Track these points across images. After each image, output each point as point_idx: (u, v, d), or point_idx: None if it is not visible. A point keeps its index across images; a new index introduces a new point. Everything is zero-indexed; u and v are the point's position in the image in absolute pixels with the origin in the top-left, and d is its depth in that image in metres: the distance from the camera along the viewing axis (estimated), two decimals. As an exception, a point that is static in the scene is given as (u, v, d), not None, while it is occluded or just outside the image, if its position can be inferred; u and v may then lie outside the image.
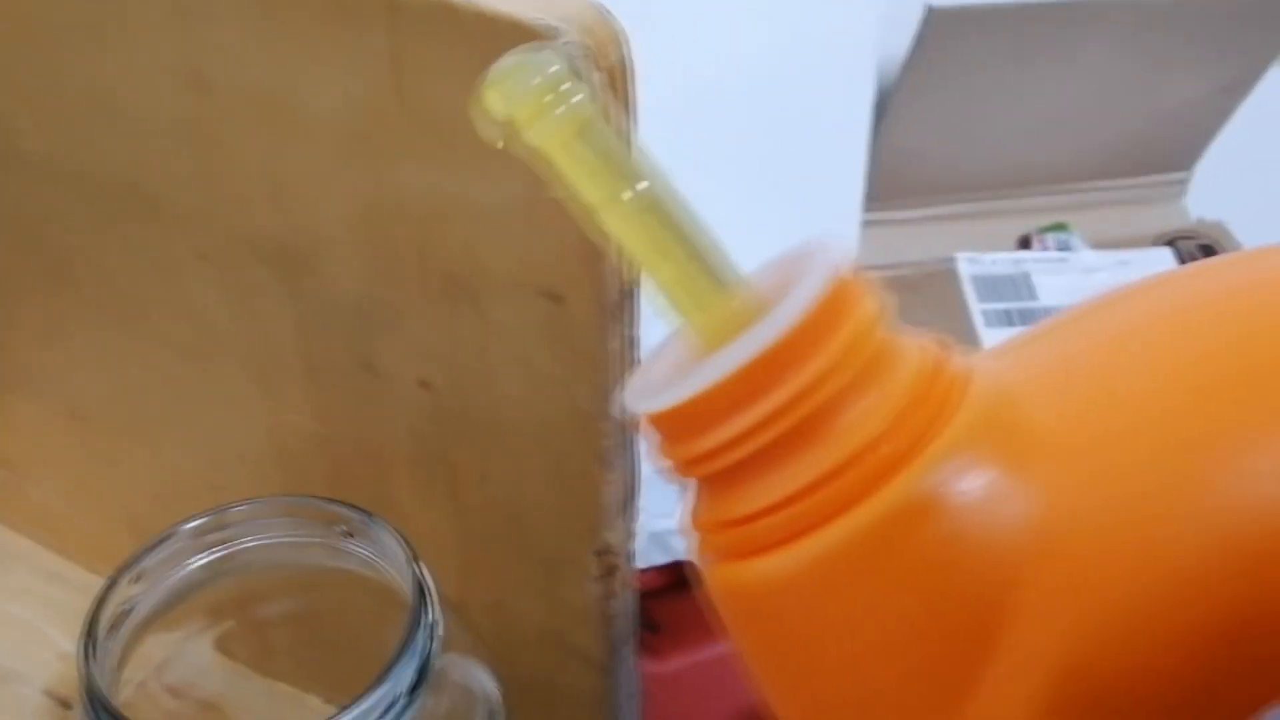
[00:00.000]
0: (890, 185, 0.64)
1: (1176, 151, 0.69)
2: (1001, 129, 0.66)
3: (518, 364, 0.29)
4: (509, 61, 0.16)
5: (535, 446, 0.30)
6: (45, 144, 0.32)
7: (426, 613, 0.27)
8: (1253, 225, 0.66)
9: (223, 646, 0.33)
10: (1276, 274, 0.17)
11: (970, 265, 0.67)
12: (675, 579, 0.37)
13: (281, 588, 0.30)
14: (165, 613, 0.29)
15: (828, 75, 0.54)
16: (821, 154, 0.57)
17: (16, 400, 0.40)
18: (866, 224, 0.62)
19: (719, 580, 0.17)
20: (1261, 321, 0.16)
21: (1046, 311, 0.61)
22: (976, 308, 0.63)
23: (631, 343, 0.28)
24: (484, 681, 0.30)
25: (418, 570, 0.28)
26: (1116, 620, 0.15)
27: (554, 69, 0.16)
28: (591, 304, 0.27)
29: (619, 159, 0.16)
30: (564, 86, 0.16)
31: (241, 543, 0.29)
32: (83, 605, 0.27)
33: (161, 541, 0.28)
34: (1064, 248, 0.68)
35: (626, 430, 0.29)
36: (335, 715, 0.26)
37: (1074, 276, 0.65)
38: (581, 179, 0.16)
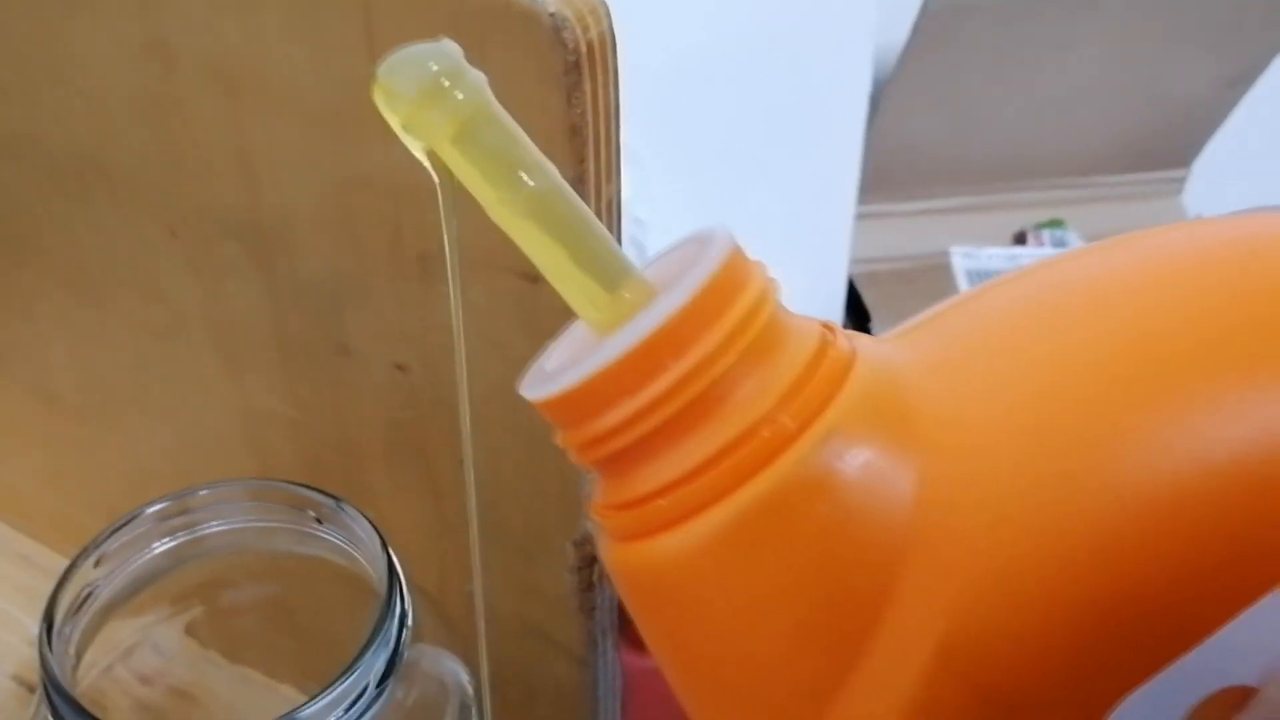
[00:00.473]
0: (885, 177, 0.64)
1: (1176, 147, 0.68)
2: (998, 122, 0.65)
3: (493, 346, 0.28)
4: (391, 60, 0.17)
5: (510, 433, 0.29)
6: (8, 117, 0.32)
7: (398, 602, 0.27)
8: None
9: (192, 632, 0.33)
10: (1163, 250, 0.18)
11: (965, 259, 0.66)
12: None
13: (249, 574, 0.30)
14: (129, 598, 0.28)
15: (824, 65, 0.54)
16: (816, 144, 0.56)
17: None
18: (860, 216, 0.62)
19: (617, 562, 0.17)
20: (1147, 298, 0.17)
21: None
22: (970, 302, 0.62)
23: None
24: (457, 673, 0.30)
25: (389, 558, 0.27)
26: (995, 598, 0.15)
27: (434, 67, 0.16)
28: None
29: (506, 156, 0.16)
30: (445, 84, 0.16)
31: (207, 527, 0.28)
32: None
33: (123, 525, 0.27)
34: (1059, 244, 0.68)
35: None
36: (301, 706, 0.25)
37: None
38: (469, 177, 0.17)
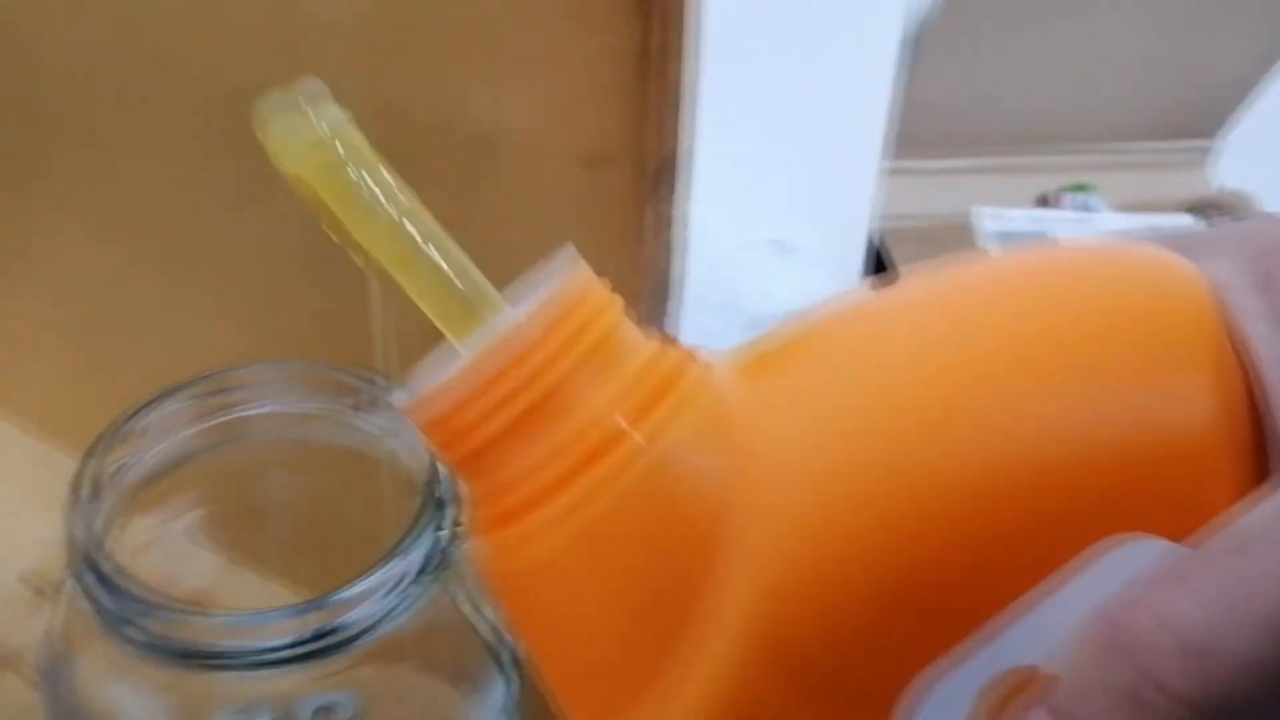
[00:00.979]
0: (911, 135, 0.63)
1: (1205, 118, 0.68)
2: (1027, 84, 0.64)
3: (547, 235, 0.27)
4: (266, 98, 0.18)
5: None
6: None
7: (440, 492, 0.25)
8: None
9: (212, 534, 0.32)
10: (979, 276, 0.19)
11: (990, 220, 0.66)
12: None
13: (281, 464, 0.29)
14: (155, 482, 0.27)
15: (856, 21, 0.53)
16: (846, 97, 0.55)
17: (3, 282, 0.38)
18: (886, 172, 0.61)
19: (477, 555, 0.19)
20: (953, 316, 0.18)
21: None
22: (995, 260, 0.61)
23: (669, 222, 0.27)
24: (496, 626, 0.28)
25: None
26: (796, 575, 0.17)
27: (298, 103, 0.17)
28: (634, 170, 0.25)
29: (365, 187, 0.18)
30: (309, 122, 0.17)
31: (243, 409, 0.27)
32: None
33: (156, 400, 0.26)
34: (1083, 209, 0.67)
35: (656, 315, 0.28)
36: (334, 591, 0.25)
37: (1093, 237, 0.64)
38: (333, 206, 0.18)
